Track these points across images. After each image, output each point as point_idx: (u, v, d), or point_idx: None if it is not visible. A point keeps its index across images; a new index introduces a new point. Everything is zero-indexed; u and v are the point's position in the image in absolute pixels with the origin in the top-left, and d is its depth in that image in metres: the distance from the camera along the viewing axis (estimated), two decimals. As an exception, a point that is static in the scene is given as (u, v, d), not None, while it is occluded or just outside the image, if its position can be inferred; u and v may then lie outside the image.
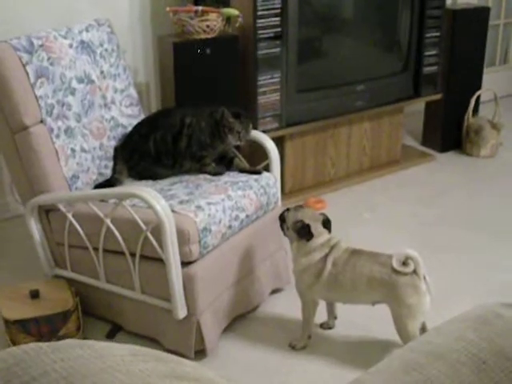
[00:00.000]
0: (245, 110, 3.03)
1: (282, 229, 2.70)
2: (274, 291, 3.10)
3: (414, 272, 2.45)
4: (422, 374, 0.93)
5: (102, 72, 3.02)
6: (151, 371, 0.68)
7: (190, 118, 2.97)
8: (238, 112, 2.97)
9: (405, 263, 2.46)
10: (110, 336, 2.82)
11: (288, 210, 2.67)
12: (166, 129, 2.97)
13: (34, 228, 2.85)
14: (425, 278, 2.48)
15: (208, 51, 3.52)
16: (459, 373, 0.91)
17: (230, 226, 2.69)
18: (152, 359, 0.72)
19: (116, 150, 3.03)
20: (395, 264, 2.45)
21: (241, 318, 2.90)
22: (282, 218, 2.68)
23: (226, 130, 2.93)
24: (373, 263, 2.51)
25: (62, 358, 0.67)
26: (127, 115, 3.13)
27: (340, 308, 2.80)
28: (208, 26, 3.50)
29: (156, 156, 2.97)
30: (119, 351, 0.71)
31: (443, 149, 4.79)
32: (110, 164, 3.02)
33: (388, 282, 2.47)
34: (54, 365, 0.66)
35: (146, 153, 2.97)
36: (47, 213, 2.83)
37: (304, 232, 2.57)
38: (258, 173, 2.98)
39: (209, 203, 2.64)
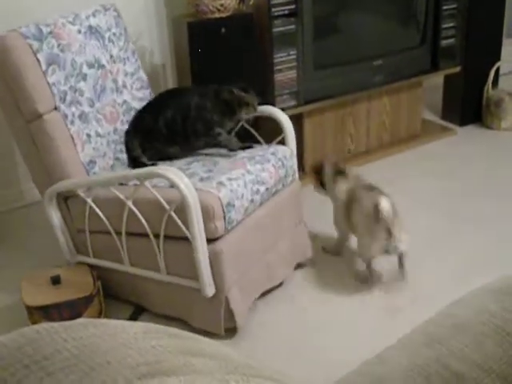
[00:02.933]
0: (247, 85, 3.01)
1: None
2: (298, 266, 3.11)
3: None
4: (445, 347, 0.92)
5: (111, 56, 3.01)
6: (164, 348, 0.67)
7: (196, 100, 2.96)
8: (243, 87, 2.96)
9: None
10: (133, 319, 2.83)
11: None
12: (175, 109, 2.97)
13: (54, 216, 2.85)
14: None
15: (223, 30, 3.50)
16: (483, 345, 0.90)
17: (251, 200, 2.69)
18: (165, 336, 0.71)
19: (128, 133, 3.02)
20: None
21: (267, 293, 2.91)
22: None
23: (238, 105, 2.94)
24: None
25: (74, 336, 0.67)
26: (138, 98, 3.13)
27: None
28: (222, 5, 3.48)
29: (168, 135, 2.97)
30: (132, 329, 0.70)
31: (463, 122, 4.74)
32: (125, 148, 3.03)
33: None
34: (65, 343, 0.66)
35: (158, 132, 2.96)
36: (66, 200, 2.83)
37: None
38: (249, 147, 3.01)
39: (229, 179, 2.63)
